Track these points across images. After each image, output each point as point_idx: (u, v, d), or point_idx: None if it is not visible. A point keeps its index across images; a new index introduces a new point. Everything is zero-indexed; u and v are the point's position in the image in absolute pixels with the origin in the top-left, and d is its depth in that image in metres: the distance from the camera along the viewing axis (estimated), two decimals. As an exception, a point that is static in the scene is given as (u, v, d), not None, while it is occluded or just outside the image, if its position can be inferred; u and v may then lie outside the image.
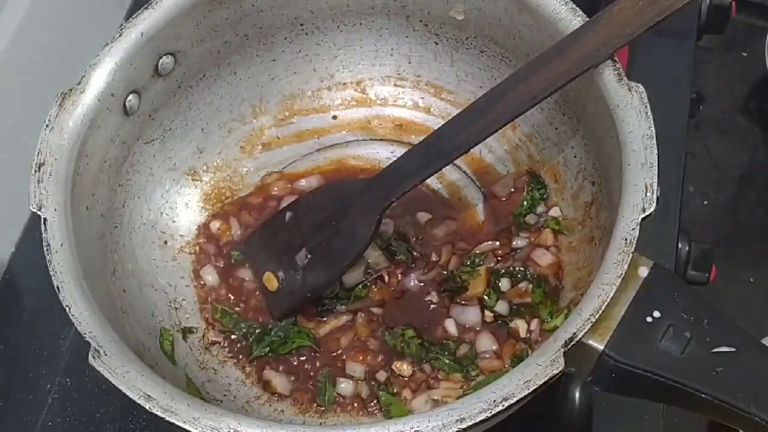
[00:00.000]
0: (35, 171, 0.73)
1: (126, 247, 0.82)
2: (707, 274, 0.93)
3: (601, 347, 0.64)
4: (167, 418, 0.61)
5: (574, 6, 0.76)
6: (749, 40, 1.19)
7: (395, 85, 0.94)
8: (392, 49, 0.92)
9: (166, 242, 0.87)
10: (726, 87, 1.17)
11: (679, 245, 0.92)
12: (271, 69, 0.92)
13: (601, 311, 0.63)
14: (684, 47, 1.05)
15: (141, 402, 0.62)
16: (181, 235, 0.88)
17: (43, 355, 0.90)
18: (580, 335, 0.62)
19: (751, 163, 1.12)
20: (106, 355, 0.64)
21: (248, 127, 0.93)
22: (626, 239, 0.65)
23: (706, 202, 1.09)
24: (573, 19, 0.76)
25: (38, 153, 0.73)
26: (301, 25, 0.90)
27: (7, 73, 0.93)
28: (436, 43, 0.90)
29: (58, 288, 0.68)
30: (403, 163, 0.79)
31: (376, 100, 0.95)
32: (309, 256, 0.82)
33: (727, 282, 1.01)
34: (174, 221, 0.88)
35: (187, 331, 0.83)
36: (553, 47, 0.74)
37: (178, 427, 0.62)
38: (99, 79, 0.77)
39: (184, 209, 0.89)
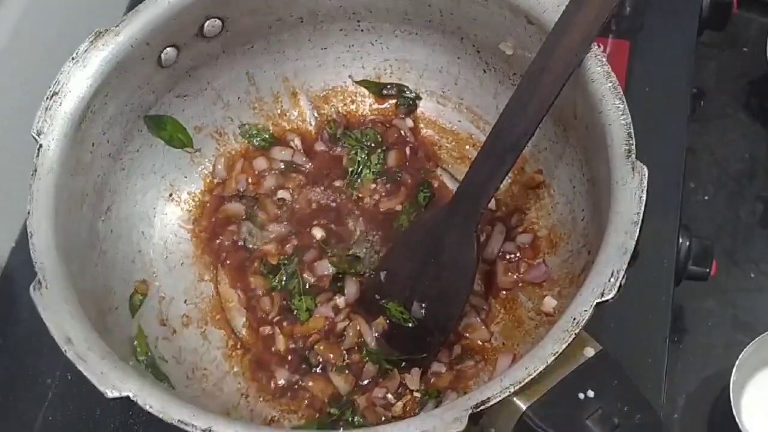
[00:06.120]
0: (47, 98, 0.75)
1: (127, 190, 0.84)
2: (708, 270, 0.92)
3: (524, 407, 0.63)
4: (78, 366, 0.62)
5: (609, 70, 0.74)
6: (750, 36, 1.20)
7: (437, 102, 0.93)
8: (442, 67, 0.91)
9: (171, 195, 0.88)
10: (727, 83, 1.17)
11: (680, 240, 0.91)
12: (321, 57, 0.92)
13: (522, 384, 0.61)
14: (685, 43, 1.03)
15: (60, 343, 0.63)
16: (188, 193, 0.89)
17: (42, 351, 0.88)
18: (493, 401, 0.61)
19: (751, 158, 1.12)
20: (47, 288, 0.66)
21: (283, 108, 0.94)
22: (575, 319, 0.63)
23: (706, 198, 1.10)
24: (605, 83, 0.73)
25: (56, 82, 0.75)
26: (359, 21, 0.90)
27: (6, 73, 0.93)
28: (485, 71, 0.88)
29: (29, 212, 0.70)
30: (476, 171, 0.76)
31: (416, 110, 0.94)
32: (423, 305, 0.80)
33: (727, 277, 1.03)
34: (186, 177, 0.89)
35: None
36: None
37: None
38: (136, 26, 0.78)
39: (200, 170, 0.90)
